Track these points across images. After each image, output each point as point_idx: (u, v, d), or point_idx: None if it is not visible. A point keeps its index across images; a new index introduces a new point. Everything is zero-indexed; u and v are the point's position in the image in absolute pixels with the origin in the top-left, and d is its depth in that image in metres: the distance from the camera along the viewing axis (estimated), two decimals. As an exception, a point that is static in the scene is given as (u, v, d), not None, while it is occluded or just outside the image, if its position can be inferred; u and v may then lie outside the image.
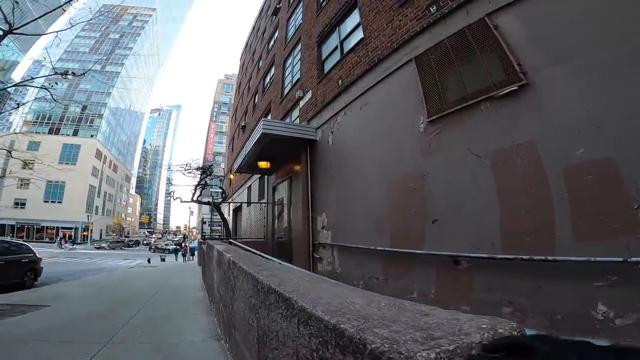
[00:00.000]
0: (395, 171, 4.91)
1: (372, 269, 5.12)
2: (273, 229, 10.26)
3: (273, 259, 4.05)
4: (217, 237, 13.25)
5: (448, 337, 0.77)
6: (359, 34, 6.62)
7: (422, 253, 4.14)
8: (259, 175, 12.00)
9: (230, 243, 7.09)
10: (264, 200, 11.27)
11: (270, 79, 13.43)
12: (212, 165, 18.78)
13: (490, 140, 3.66)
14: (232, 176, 18.55)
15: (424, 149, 4.45)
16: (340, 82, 6.85)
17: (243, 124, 18.22)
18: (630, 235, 2.58)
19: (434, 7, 4.63)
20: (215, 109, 68.49)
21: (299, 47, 10.17)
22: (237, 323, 2.30)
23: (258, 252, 4.36)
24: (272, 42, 14.75)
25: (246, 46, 24.84)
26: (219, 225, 17.31)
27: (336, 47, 7.53)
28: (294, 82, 10.12)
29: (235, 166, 10.77)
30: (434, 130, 4.34)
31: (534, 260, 3.02)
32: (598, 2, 3.05)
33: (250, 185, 14.07)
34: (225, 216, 13.68)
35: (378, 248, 4.89)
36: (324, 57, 8.16)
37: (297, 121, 9.12)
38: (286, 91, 10.82)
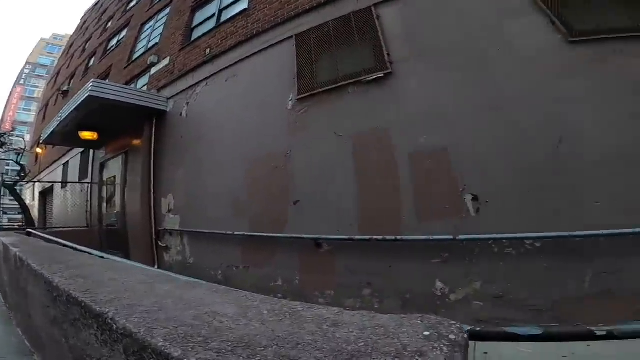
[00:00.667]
0: (259, 149, 4.59)
1: (230, 256, 4.59)
2: (100, 215, 8.21)
3: (91, 251, 3.01)
4: (17, 227, 10.19)
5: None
6: (242, 5, 6.08)
7: (284, 237, 3.93)
8: (82, 150, 9.44)
9: (29, 234, 5.14)
10: (88, 180, 8.90)
11: (118, 42, 11.38)
12: (4, 134, 13.82)
13: (353, 122, 3.79)
14: (39, 150, 13.91)
15: (291, 126, 4.30)
16: (208, 51, 6.10)
17: (65, 89, 14.11)
18: (457, 215, 3.02)
19: (329, -12, 4.58)
20: (27, 71, 55.97)
21: (167, 10, 8.87)
22: (44, 338, 1.64)
23: (70, 244, 3.20)
24: (133, 3, 12.36)
25: (96, 4, 20.09)
26: (20, 213, 12.92)
27: (213, 15, 6.76)
28: (149, 47, 8.71)
29: (44, 136, 8.04)
30: (302, 109, 4.25)
31: (386, 241, 3.20)
32: (456, 13, 3.55)
33: (68, 161, 10.87)
34: (29, 201, 10.28)
35: (237, 233, 4.41)
36: (195, 24, 7.25)
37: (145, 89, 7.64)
38: (136, 56, 9.21)
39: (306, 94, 4.22)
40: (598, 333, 0.89)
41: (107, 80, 9.63)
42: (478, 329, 1.07)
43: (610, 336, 0.89)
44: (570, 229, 2.59)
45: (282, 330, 0.63)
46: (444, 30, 3.57)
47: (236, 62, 5.43)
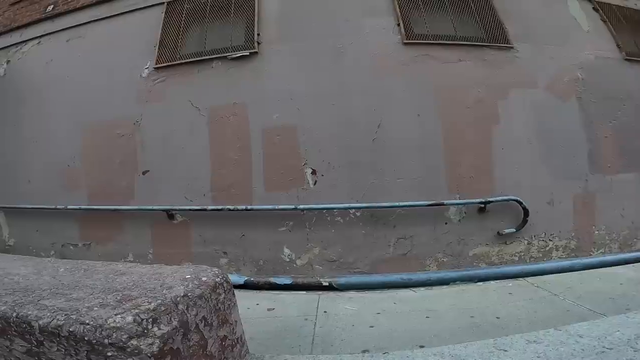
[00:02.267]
0: (99, 116, 4.10)
1: (65, 234, 4.03)
2: None
3: None
4: None
5: (148, 294, 0.66)
6: None
7: (132, 209, 3.71)
8: None
9: None
10: None
11: None
12: None
13: (212, 96, 3.80)
14: None
15: (143, 95, 3.99)
16: (51, 8, 4.96)
17: None
18: (299, 186, 3.46)
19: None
20: None
21: None
22: None
23: None
24: None
25: None
26: None
27: None
28: None
29: None
30: (159, 78, 4.00)
31: (237, 210, 3.40)
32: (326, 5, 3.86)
33: None
34: None
35: (70, 207, 3.89)
36: None
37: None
38: None
39: (166, 64, 3.98)
40: (323, 283, 1.33)
41: None
42: (252, 279, 1.41)
43: (331, 287, 1.34)
44: (379, 200, 3.35)
45: (70, 280, 0.75)
46: (313, 19, 3.86)
47: (86, 23, 4.60)
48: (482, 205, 3.35)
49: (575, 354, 1.12)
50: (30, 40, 4.90)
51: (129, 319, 0.55)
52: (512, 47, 3.80)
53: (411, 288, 2.86)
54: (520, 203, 3.34)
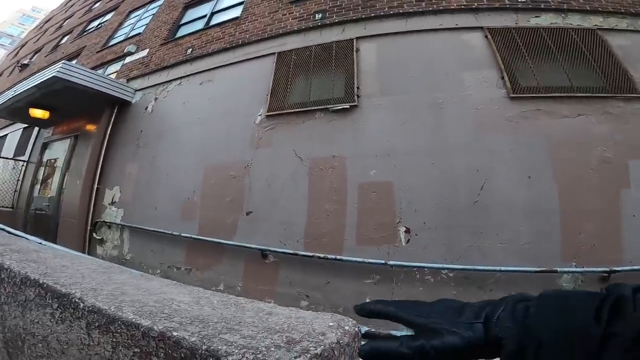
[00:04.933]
0: (219, 157, 4.68)
1: (173, 257, 4.55)
2: (30, 197, 7.52)
3: (27, 236, 2.88)
4: None
5: (307, 338, 0.70)
6: (235, 12, 6.23)
7: (233, 244, 4.02)
8: (26, 126, 8.68)
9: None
10: (24, 158, 8.15)
11: (99, 25, 10.92)
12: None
13: (314, 146, 4.03)
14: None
15: (255, 140, 4.46)
16: (190, 50, 6.12)
17: (26, 62, 13.17)
18: (391, 243, 3.37)
19: (320, 15, 4.92)
20: (-11, 37, 48.50)
21: (160, 1, 8.74)
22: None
23: (3, 227, 3.00)
24: (129, -13, 11.76)
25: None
26: None
27: (204, 16, 6.80)
28: (129, 35, 8.45)
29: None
30: (269, 125, 4.44)
31: (327, 259, 3.44)
32: (424, 59, 3.97)
33: (8, 134, 9.89)
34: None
35: (184, 235, 4.43)
36: (183, 21, 7.24)
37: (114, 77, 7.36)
38: (114, 42, 8.89)
39: (275, 112, 4.39)
40: None
41: (75, 62, 9.08)
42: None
43: None
44: (476, 263, 3.07)
45: (229, 314, 0.84)
46: (411, 73, 3.93)
47: (214, 68, 5.48)
48: (606, 275, 2.80)
49: None
50: (174, 80, 5.90)
51: (307, 362, 0.57)
52: (640, 97, 3.29)
53: None
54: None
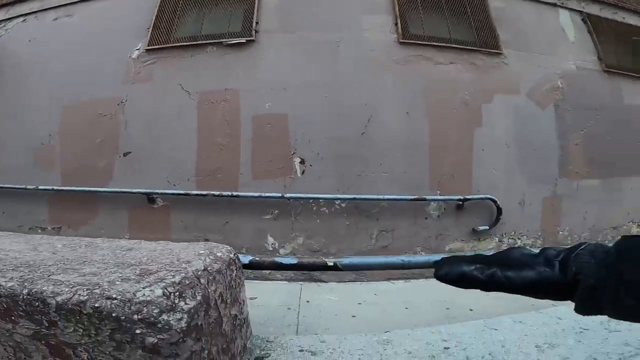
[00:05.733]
0: (82, 96, 3.88)
1: (33, 216, 3.79)
2: None
3: None
4: None
5: (168, 268, 0.65)
6: None
7: (109, 191, 3.55)
8: None
9: None
10: None
11: None
12: None
13: (204, 80, 3.69)
14: None
15: (131, 76, 3.81)
16: None
17: None
18: (287, 175, 3.46)
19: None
20: None
21: None
22: None
23: None
24: None
25: None
26: None
27: None
28: None
29: None
30: (149, 60, 3.83)
31: (222, 196, 3.34)
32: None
33: None
34: None
35: (41, 187, 3.65)
36: None
37: None
38: None
39: (159, 46, 3.83)
40: (328, 263, 1.37)
41: None
42: (257, 258, 1.42)
43: (335, 267, 1.40)
44: (365, 193, 3.41)
45: (74, 255, 0.72)
46: (313, 12, 3.83)
47: (77, 2, 4.30)
48: (461, 202, 3.50)
49: (558, 334, 1.23)
50: (16, 17, 4.54)
51: (158, 292, 0.54)
52: (501, 53, 3.95)
53: (395, 276, 2.93)
54: (495, 202, 3.52)
